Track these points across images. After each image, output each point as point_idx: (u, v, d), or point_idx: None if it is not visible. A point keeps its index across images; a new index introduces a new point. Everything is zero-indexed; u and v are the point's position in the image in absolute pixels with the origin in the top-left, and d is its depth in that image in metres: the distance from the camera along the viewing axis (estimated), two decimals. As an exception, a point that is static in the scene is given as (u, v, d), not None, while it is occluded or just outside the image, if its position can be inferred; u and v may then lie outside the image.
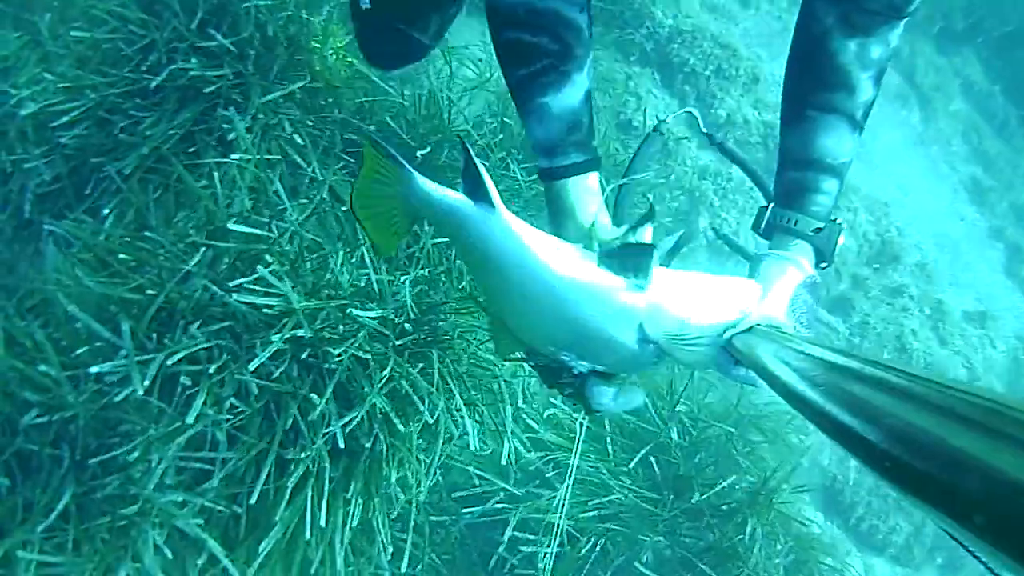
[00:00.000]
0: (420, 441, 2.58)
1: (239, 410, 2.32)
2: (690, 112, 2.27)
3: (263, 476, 2.23)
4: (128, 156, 2.78)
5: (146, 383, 2.12)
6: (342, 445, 2.37)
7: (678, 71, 5.61)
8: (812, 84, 1.89)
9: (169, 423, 2.15)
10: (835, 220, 1.84)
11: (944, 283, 5.91)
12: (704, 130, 2.27)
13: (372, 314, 2.49)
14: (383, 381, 2.46)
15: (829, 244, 1.81)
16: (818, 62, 1.87)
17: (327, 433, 2.31)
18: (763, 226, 1.89)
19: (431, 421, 2.50)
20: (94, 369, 2.01)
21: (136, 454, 2.08)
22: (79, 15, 2.93)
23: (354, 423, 2.37)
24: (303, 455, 2.25)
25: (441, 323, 2.76)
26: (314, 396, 2.36)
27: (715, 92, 5.66)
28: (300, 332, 2.38)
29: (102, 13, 2.93)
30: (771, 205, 1.89)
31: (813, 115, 1.87)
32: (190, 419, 2.06)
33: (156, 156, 2.83)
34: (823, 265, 1.83)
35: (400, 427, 2.39)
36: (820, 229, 1.81)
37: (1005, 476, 0.55)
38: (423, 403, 2.51)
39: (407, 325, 2.61)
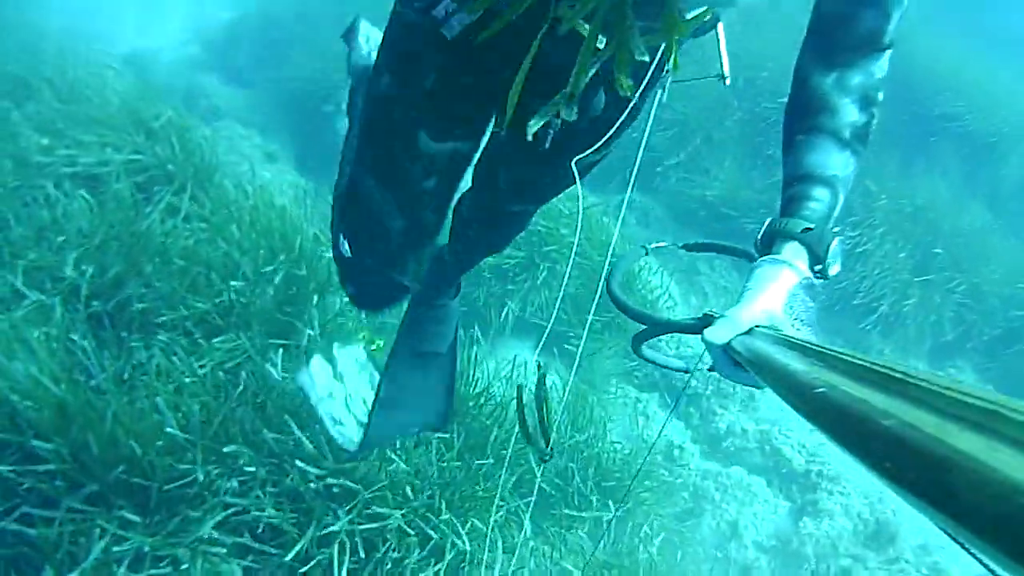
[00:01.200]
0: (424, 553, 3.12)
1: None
2: (664, 245, 2.44)
3: (292, 553, 2.82)
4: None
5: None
6: (362, 554, 2.96)
7: (681, 393, 6.35)
8: (797, 115, 2.04)
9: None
10: (833, 229, 1.88)
11: (950, 562, 6.06)
12: (678, 245, 2.47)
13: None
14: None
15: (821, 244, 1.83)
16: (801, 96, 2.04)
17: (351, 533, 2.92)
18: (758, 244, 1.93)
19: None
20: (169, 429, 2.70)
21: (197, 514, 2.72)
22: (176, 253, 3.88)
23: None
24: (336, 526, 2.85)
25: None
26: (340, 512, 2.99)
27: (715, 409, 6.40)
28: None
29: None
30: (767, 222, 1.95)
31: (800, 139, 2.02)
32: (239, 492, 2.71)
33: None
34: (818, 268, 1.85)
35: (411, 534, 2.98)
36: (810, 229, 1.84)
37: (1003, 477, 0.58)
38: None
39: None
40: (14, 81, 4.94)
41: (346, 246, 2.74)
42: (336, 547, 2.87)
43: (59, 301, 3.34)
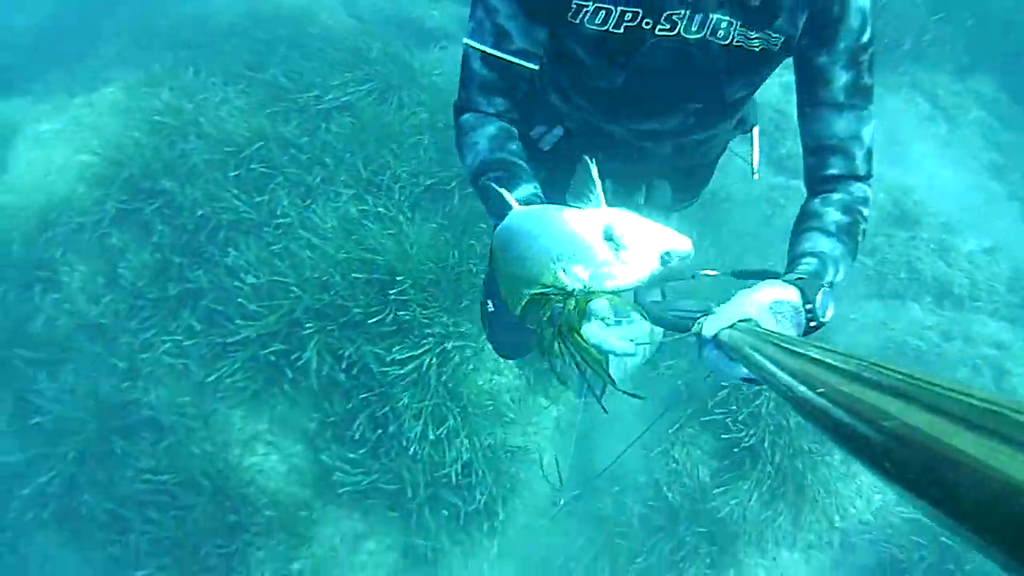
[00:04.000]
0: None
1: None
2: (715, 273, 2.59)
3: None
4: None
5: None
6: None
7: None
8: (794, 231, 2.28)
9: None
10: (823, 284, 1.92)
11: (966, 234, 7.57)
12: (728, 273, 2.63)
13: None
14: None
15: (810, 287, 1.87)
16: (797, 217, 2.30)
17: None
18: None
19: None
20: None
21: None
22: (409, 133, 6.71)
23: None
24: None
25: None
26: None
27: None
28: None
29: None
30: None
31: (794, 239, 2.22)
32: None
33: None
34: (808, 307, 1.85)
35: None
36: (801, 278, 1.91)
37: (1003, 477, 0.60)
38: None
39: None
40: (257, 43, 7.49)
41: (490, 304, 3.17)
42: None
43: (362, 190, 6.21)
